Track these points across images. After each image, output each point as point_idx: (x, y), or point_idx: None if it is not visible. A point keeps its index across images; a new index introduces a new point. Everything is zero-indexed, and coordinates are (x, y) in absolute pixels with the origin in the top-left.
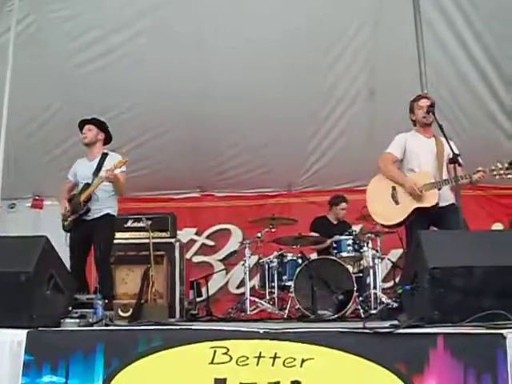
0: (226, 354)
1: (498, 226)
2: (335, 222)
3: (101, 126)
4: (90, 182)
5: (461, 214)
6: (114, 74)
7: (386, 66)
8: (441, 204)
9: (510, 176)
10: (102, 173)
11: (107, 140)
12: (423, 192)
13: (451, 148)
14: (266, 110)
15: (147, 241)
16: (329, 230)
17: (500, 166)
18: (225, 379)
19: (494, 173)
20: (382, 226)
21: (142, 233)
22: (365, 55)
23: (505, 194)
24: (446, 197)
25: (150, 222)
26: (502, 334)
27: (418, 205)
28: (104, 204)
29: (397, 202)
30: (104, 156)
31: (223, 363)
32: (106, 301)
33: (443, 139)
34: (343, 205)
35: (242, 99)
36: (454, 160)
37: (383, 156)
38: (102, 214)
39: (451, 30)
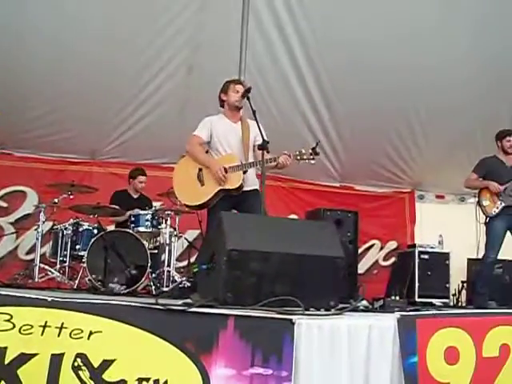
0: (8, 321)
1: None
2: (135, 196)
3: None
4: None
5: (263, 200)
6: None
7: (209, 47)
8: (245, 188)
9: (312, 162)
10: None
11: None
12: (228, 174)
13: (262, 135)
14: (78, 73)
15: None
16: (128, 203)
17: (304, 151)
18: (5, 348)
19: (298, 157)
20: (186, 206)
21: None
22: (189, 33)
23: (303, 187)
24: (251, 181)
25: None
26: (291, 319)
27: (222, 187)
28: None
29: (202, 184)
30: None
31: (5, 331)
32: None
33: (250, 124)
34: (141, 178)
35: (54, 58)
36: (262, 146)
37: (190, 138)
38: None
39: (275, 24)
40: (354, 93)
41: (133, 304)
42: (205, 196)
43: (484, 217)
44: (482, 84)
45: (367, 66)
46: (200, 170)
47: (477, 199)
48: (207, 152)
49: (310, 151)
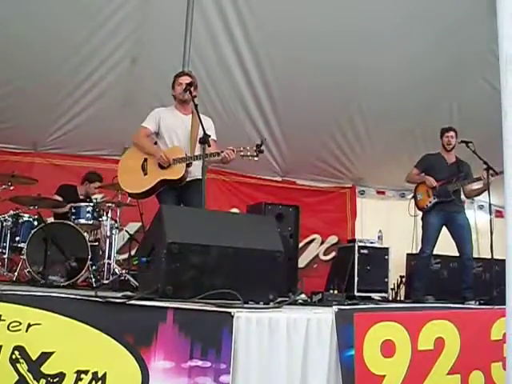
0: None
1: None
2: (82, 198)
3: None
4: None
5: (203, 194)
6: None
7: (153, 39)
8: (188, 179)
9: (255, 159)
10: None
11: None
12: (171, 165)
13: (203, 128)
14: (19, 63)
15: None
16: (73, 197)
17: (248, 148)
18: None
19: (242, 153)
20: (129, 195)
21: None
22: (133, 24)
23: (245, 182)
24: (194, 173)
25: None
26: (230, 312)
27: (164, 177)
28: None
29: (145, 173)
30: None
31: None
32: None
33: (203, 118)
34: (98, 184)
35: None
36: (203, 140)
37: (138, 130)
38: None
39: (220, 16)
40: (298, 88)
41: (72, 296)
42: (146, 184)
43: (420, 212)
44: (422, 85)
45: (312, 61)
46: (145, 160)
47: (413, 193)
48: (155, 143)
49: (254, 148)
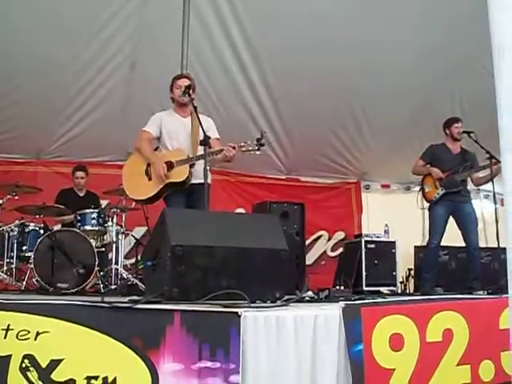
0: None
1: None
2: (81, 194)
3: None
4: None
5: (206, 195)
6: None
7: (150, 43)
8: (193, 181)
9: (257, 152)
10: None
11: None
12: (174, 168)
13: (203, 130)
14: (19, 73)
15: None
16: (74, 202)
17: (249, 142)
18: None
19: (243, 149)
20: (135, 201)
21: None
22: (130, 29)
23: (249, 181)
24: (199, 175)
25: None
26: (237, 312)
27: (169, 180)
28: None
29: (149, 178)
30: None
31: None
32: None
33: (202, 119)
34: (77, 173)
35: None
36: (204, 142)
37: (139, 134)
38: None
39: (217, 18)
40: (299, 85)
41: (79, 303)
42: (151, 190)
43: (427, 203)
44: (425, 75)
45: (312, 59)
46: (149, 165)
47: (420, 185)
48: (157, 148)
49: (255, 142)
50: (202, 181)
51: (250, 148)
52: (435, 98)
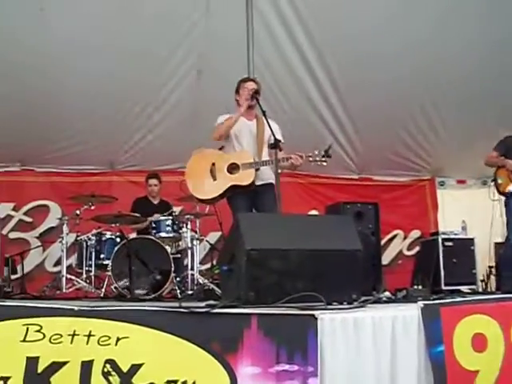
0: (38, 331)
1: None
2: (155, 202)
3: None
4: None
5: (278, 199)
6: None
7: (216, 51)
8: (259, 182)
9: (324, 164)
10: None
11: None
12: (240, 171)
13: (273, 134)
14: (90, 84)
15: None
16: (149, 209)
17: (316, 153)
18: (37, 357)
19: (310, 159)
20: (197, 199)
21: None
22: (195, 37)
23: (322, 182)
24: (266, 176)
25: None
26: (313, 315)
27: (234, 182)
28: None
29: (214, 178)
30: None
31: (36, 341)
32: None
33: (265, 122)
34: (150, 181)
35: (67, 74)
36: (274, 145)
37: (215, 127)
38: None
39: (280, 20)
40: (366, 83)
41: (157, 309)
42: (216, 190)
43: (500, 196)
44: (499, 70)
45: (378, 54)
46: (213, 164)
47: (493, 177)
48: (222, 148)
49: (323, 153)
50: (265, 182)
51: (317, 159)
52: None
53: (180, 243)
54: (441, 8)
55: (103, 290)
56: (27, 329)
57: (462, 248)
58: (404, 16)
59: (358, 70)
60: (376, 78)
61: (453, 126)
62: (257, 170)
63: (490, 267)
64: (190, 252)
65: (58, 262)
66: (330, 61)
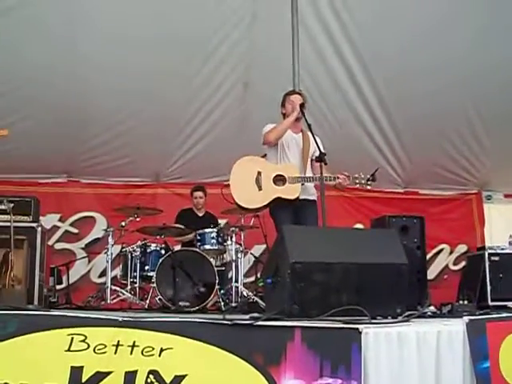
0: (83, 341)
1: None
2: (201, 215)
3: None
4: None
5: (323, 214)
6: None
7: (262, 63)
8: (303, 196)
9: (368, 187)
10: None
11: None
12: (287, 184)
13: (318, 147)
14: (136, 101)
15: (8, 224)
16: (194, 222)
17: (362, 176)
18: (81, 367)
19: (356, 181)
20: (239, 207)
21: (2, 216)
22: (241, 50)
23: (367, 196)
24: (308, 191)
25: (11, 205)
26: (357, 328)
27: (280, 195)
28: None
29: (260, 188)
30: None
31: (80, 351)
32: None
33: (311, 135)
34: (195, 193)
35: (113, 88)
36: (320, 159)
37: (266, 133)
38: None
39: (325, 34)
40: (411, 96)
41: (200, 320)
42: (261, 201)
43: None
44: None
45: (421, 68)
46: (259, 173)
47: None
48: (264, 156)
49: (368, 177)
50: (310, 197)
51: (363, 182)
52: None
53: (225, 256)
54: (480, 22)
55: (147, 301)
56: (72, 338)
57: (509, 263)
58: (446, 30)
59: (402, 82)
60: (420, 91)
61: (498, 138)
62: (302, 184)
63: None
64: (234, 264)
65: (103, 273)
66: (375, 74)
